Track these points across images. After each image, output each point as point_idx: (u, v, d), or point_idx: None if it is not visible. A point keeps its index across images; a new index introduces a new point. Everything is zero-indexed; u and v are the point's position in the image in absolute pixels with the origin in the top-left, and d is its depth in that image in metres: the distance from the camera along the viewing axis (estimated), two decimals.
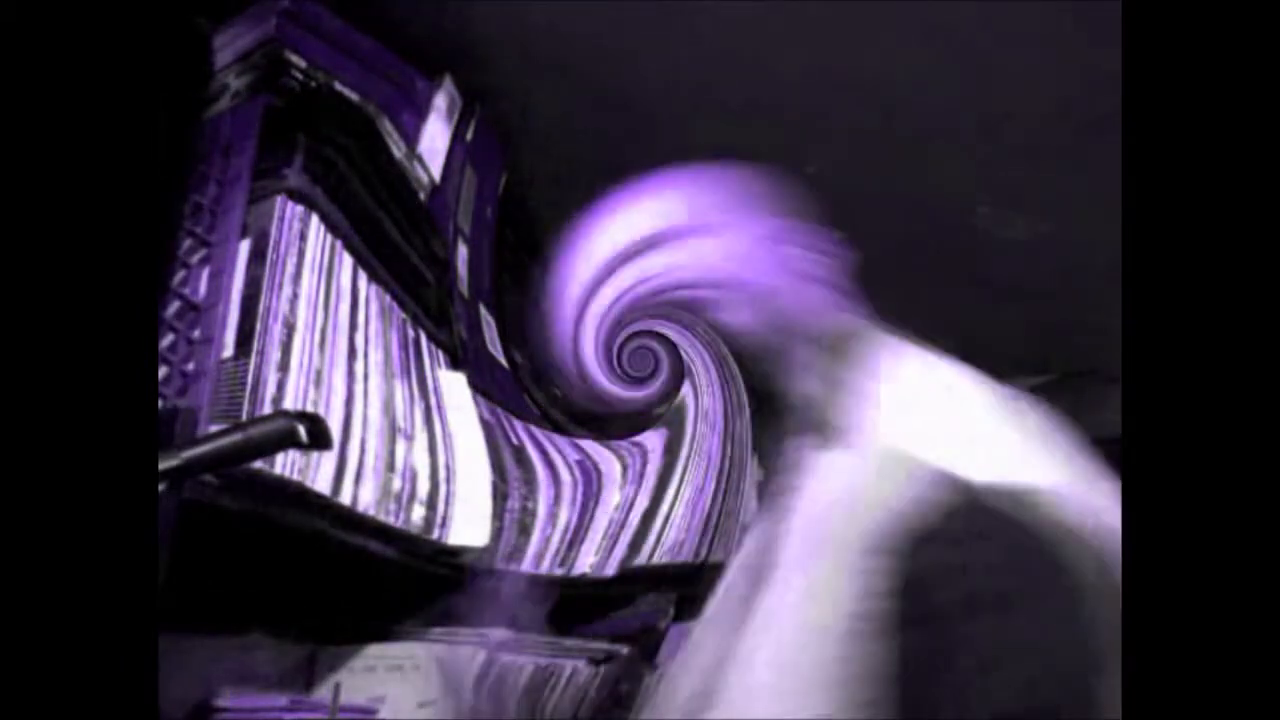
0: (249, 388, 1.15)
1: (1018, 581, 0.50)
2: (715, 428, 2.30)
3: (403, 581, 1.40)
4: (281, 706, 1.23)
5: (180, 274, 1.22)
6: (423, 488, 1.37)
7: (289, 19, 1.40)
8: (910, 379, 0.72)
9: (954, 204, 2.10)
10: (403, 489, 1.33)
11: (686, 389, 2.28)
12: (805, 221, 0.81)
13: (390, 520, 1.30)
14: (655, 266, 0.79)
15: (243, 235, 1.24)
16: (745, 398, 2.36)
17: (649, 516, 2.05)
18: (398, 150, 1.57)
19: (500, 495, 1.53)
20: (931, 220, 2.16)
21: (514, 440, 1.70)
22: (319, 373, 1.23)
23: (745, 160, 1.92)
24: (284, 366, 1.19)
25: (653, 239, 0.78)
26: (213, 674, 1.24)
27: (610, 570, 1.89)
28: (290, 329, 1.21)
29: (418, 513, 1.35)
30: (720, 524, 2.16)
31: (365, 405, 1.30)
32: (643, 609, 1.98)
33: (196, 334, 1.18)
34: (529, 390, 1.87)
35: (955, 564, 0.54)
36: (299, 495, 1.16)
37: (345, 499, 1.21)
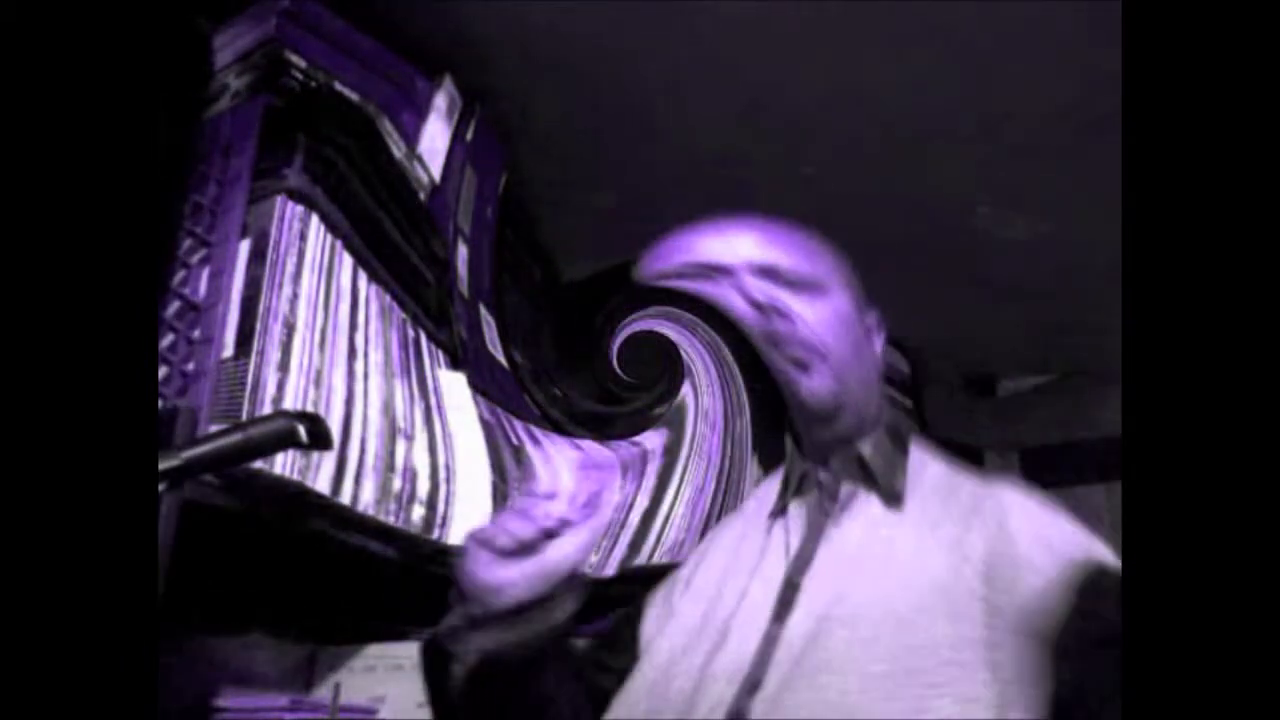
0: (249, 388, 1.15)
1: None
2: (715, 428, 2.30)
3: (403, 581, 1.40)
4: (281, 706, 1.23)
5: (180, 274, 1.22)
6: (423, 488, 1.37)
7: (289, 19, 1.40)
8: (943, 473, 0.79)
9: (954, 204, 2.10)
10: (403, 489, 1.33)
11: (686, 389, 2.28)
12: (863, 296, 0.84)
13: (390, 520, 1.30)
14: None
15: (243, 235, 1.24)
16: (745, 398, 2.36)
17: (649, 516, 2.05)
18: (398, 150, 1.57)
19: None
20: (931, 220, 2.16)
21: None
22: (319, 373, 1.23)
23: (745, 160, 1.92)
24: (284, 366, 1.19)
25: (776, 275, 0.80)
26: (213, 674, 1.24)
27: (610, 570, 1.89)
28: (290, 329, 1.21)
29: (418, 513, 1.35)
30: None
31: (365, 405, 1.30)
32: None
33: (196, 334, 1.18)
34: (529, 390, 1.87)
35: (1089, 610, 0.64)
36: (299, 495, 1.16)
37: (345, 499, 1.22)
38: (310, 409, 1.18)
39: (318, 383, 1.23)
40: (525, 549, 0.69)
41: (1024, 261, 2.28)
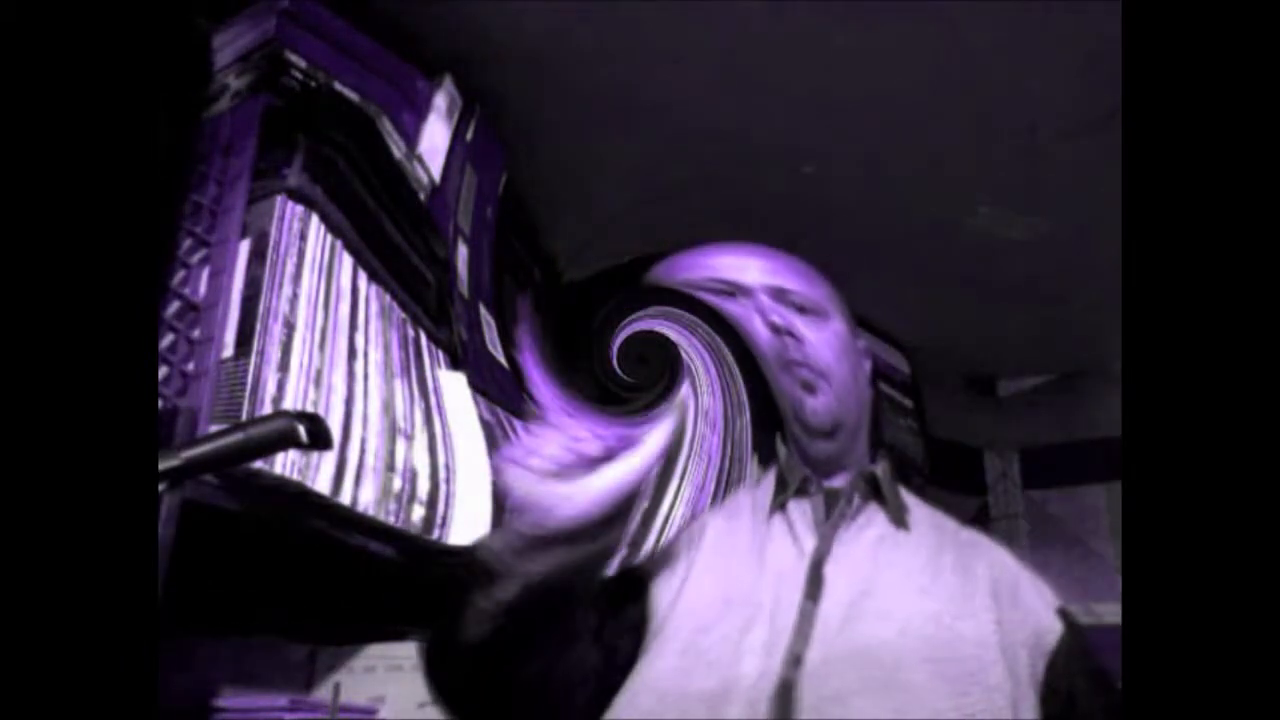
0: (249, 388, 1.14)
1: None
2: (715, 428, 2.30)
3: (403, 581, 1.39)
4: (281, 706, 1.23)
5: (180, 274, 1.22)
6: (423, 488, 1.37)
7: (289, 19, 1.40)
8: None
9: (954, 204, 2.10)
10: (403, 489, 1.33)
11: (686, 389, 2.28)
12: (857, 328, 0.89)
13: (390, 520, 1.30)
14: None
15: (243, 235, 1.24)
16: (745, 398, 2.36)
17: (649, 516, 2.04)
18: (398, 150, 1.57)
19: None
20: (931, 220, 2.16)
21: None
22: (319, 373, 1.23)
23: (745, 160, 1.92)
24: (284, 366, 1.19)
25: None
26: (213, 674, 1.24)
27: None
28: (290, 329, 1.21)
29: (418, 513, 1.35)
30: None
31: (365, 405, 1.30)
32: None
33: (196, 334, 1.18)
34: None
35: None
36: (299, 495, 1.16)
37: (345, 499, 1.21)
38: (310, 409, 1.18)
39: (318, 383, 1.23)
40: (566, 472, 0.68)
41: (1024, 261, 2.28)
